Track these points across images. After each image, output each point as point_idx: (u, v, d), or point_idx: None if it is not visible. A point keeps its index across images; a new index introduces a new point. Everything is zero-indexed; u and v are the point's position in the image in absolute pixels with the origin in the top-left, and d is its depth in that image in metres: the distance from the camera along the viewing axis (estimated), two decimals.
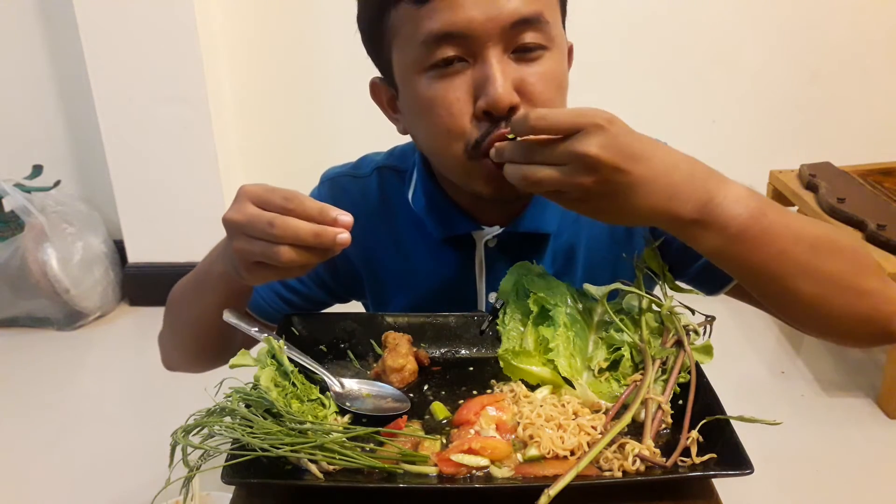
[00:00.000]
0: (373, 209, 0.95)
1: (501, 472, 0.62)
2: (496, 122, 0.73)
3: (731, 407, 0.66)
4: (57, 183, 2.45)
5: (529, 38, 0.73)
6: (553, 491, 0.56)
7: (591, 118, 0.61)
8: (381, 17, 0.77)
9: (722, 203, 0.64)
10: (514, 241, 0.89)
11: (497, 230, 0.89)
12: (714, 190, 0.65)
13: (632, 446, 0.62)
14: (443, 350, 0.82)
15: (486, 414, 0.67)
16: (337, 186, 0.98)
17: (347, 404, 0.71)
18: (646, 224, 0.70)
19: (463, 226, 0.89)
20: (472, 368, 0.79)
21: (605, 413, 0.68)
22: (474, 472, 0.62)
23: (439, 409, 0.71)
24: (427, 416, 0.71)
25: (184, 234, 2.43)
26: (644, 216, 0.65)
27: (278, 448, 0.60)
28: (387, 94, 0.85)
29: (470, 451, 0.62)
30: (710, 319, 0.78)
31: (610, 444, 0.63)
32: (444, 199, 0.89)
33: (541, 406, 0.68)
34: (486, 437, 0.65)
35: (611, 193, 0.62)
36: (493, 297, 0.88)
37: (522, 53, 0.74)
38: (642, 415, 0.66)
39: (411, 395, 0.74)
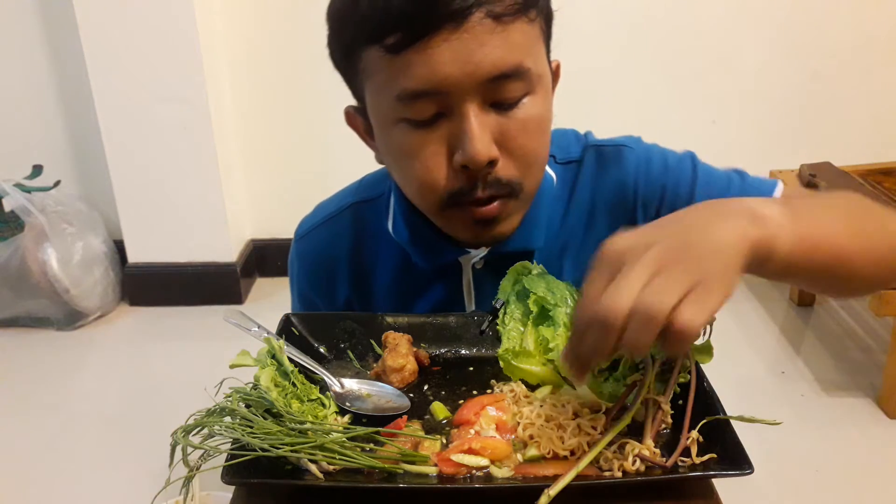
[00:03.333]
0: (352, 247, 0.94)
1: (501, 472, 0.62)
2: (474, 175, 0.72)
3: (731, 407, 0.66)
4: (57, 183, 2.45)
5: (510, 90, 0.71)
6: (553, 491, 0.56)
7: (592, 284, 0.56)
8: (352, 54, 0.74)
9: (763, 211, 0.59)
10: (501, 260, 0.87)
11: (483, 252, 0.87)
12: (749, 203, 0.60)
13: (632, 446, 0.62)
14: (443, 350, 0.82)
15: (486, 414, 0.67)
16: (308, 244, 0.97)
17: (347, 404, 0.71)
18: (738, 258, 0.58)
19: (449, 253, 0.88)
20: (472, 368, 0.79)
21: (605, 413, 0.68)
22: (474, 472, 0.62)
23: (439, 409, 0.71)
24: (427, 416, 0.71)
25: (184, 234, 2.42)
26: (727, 240, 0.57)
27: (278, 448, 0.60)
28: (363, 123, 0.82)
29: (470, 451, 0.62)
30: (711, 319, 0.78)
31: (610, 444, 0.63)
32: (426, 228, 0.86)
33: (541, 406, 0.68)
34: (486, 437, 0.65)
35: (680, 247, 0.55)
36: None
37: (503, 103, 0.71)
38: (642, 415, 0.66)
39: (411, 395, 0.74)
